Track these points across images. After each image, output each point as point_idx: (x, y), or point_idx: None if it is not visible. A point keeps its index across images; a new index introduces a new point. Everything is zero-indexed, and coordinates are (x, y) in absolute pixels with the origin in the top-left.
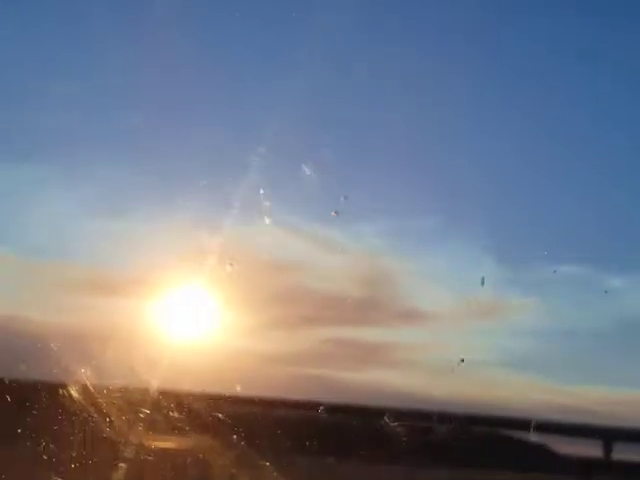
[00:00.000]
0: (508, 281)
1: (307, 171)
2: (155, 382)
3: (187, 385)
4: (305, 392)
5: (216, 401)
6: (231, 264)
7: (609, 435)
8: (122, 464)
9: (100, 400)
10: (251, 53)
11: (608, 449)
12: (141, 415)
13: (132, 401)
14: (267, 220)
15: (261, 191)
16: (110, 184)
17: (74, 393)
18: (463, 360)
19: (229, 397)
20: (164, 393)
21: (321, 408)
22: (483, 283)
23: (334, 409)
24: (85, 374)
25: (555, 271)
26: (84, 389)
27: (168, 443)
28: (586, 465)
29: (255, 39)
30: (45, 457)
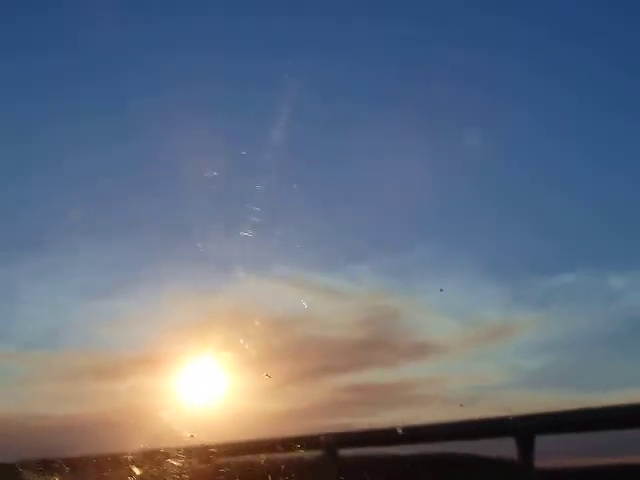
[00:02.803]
0: (512, 299)
1: (299, 223)
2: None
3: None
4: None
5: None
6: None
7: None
8: None
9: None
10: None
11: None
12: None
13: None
14: (265, 277)
15: (256, 249)
16: (104, 267)
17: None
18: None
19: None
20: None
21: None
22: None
23: None
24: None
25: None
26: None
27: None
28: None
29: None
30: None
